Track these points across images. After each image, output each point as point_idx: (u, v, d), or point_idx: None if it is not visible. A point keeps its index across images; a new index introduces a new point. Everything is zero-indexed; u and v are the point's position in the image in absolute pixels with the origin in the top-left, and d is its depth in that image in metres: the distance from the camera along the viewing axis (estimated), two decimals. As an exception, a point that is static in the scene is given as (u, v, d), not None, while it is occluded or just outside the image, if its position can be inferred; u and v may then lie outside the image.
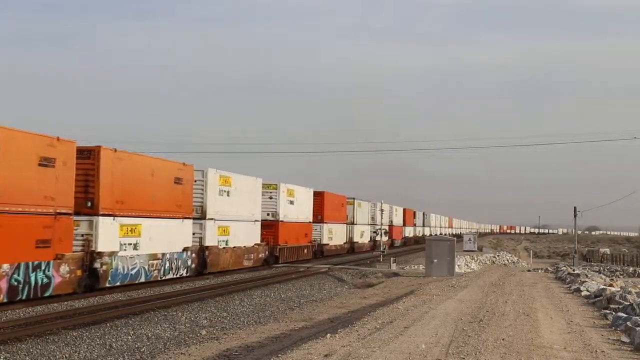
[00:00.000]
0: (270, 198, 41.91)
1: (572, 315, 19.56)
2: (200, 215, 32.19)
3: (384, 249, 50.89)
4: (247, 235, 37.25)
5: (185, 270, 30.15)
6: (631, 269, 54.04)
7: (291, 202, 44.07)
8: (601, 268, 53.06)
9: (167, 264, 28.58)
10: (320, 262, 45.93)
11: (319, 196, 50.58)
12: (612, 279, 35.68)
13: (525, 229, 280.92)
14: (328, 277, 36.95)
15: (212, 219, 32.81)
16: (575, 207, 66.38)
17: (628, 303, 19.86)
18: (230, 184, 34.93)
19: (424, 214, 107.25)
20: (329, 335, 14.76)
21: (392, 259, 43.79)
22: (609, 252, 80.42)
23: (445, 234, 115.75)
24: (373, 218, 67.77)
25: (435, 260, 35.89)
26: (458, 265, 40.47)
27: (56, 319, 18.78)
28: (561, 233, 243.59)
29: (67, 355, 15.09)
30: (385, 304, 22.62)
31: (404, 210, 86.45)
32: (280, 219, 42.40)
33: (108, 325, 18.39)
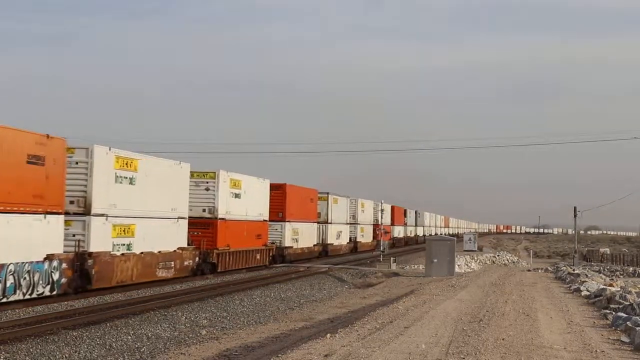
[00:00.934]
0: (207, 190, 33.74)
1: (572, 315, 19.57)
2: (83, 210, 24.31)
3: (384, 248, 50.84)
4: (165, 238, 29.07)
5: (50, 287, 21.73)
6: (631, 268, 53.98)
7: (236, 196, 35.80)
8: (601, 268, 53.02)
9: (11, 280, 19.92)
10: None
11: (279, 190, 42.94)
12: (612, 279, 35.69)
13: (521, 229, 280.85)
14: (328, 277, 36.96)
15: (102, 214, 24.82)
16: (575, 207, 66.36)
17: (628, 303, 19.87)
18: (136, 169, 27.20)
19: (416, 212, 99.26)
20: (329, 335, 14.76)
21: (392, 259, 43.80)
22: (609, 252, 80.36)
23: (442, 234, 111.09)
24: (354, 216, 61.78)
25: (435, 260, 35.89)
26: (458, 265, 40.47)
27: (56, 319, 18.78)
28: (556, 232, 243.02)
29: (67, 355, 15.09)
30: (385, 304, 22.63)
31: (393, 208, 78.91)
32: (220, 216, 33.90)
33: (108, 325, 18.39)
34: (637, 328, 14.72)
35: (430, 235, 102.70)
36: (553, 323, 17.60)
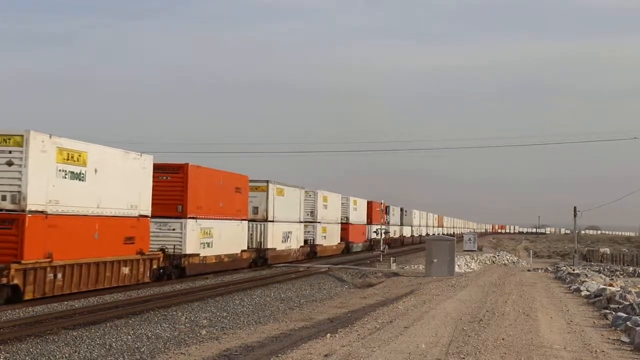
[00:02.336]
0: (9, 165, 21.41)
1: (572, 315, 19.56)
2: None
3: (384, 248, 50.81)
4: None
5: None
6: (631, 268, 53.98)
7: (77, 177, 23.58)
8: (601, 268, 53.02)
9: None
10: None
11: (176, 172, 31.15)
12: (612, 279, 35.69)
13: (514, 228, 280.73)
14: (328, 277, 36.94)
15: None
16: (575, 207, 66.38)
17: (628, 303, 19.87)
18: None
19: (402, 209, 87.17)
20: (329, 335, 14.76)
21: (392, 258, 43.79)
22: (609, 252, 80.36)
23: (434, 234, 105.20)
24: (312, 213, 51.06)
25: (435, 260, 35.89)
26: (458, 265, 40.47)
27: (56, 319, 18.78)
28: (549, 232, 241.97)
29: (67, 355, 15.08)
30: (385, 303, 22.63)
31: (370, 204, 68.04)
32: (31, 209, 21.46)
33: (108, 325, 18.39)
34: (637, 328, 14.72)
35: (421, 235, 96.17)
36: (553, 323, 17.60)
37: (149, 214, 28.16)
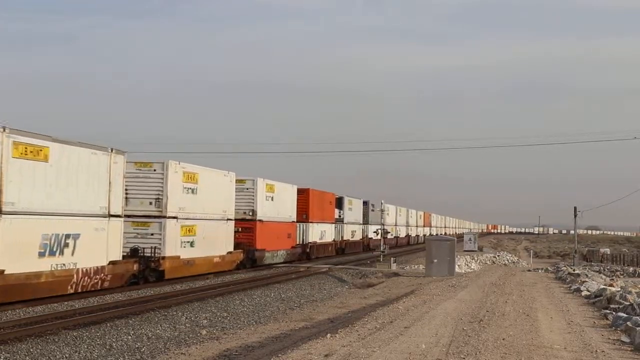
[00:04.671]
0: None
1: (572, 315, 19.56)
2: None
3: (384, 248, 50.77)
4: None
5: None
6: (631, 269, 54.03)
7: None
8: (601, 268, 53.06)
9: None
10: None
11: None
12: (612, 279, 35.72)
13: (506, 228, 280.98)
14: (328, 277, 36.94)
15: None
16: (575, 207, 66.41)
17: (628, 303, 19.88)
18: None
19: (369, 204, 67.26)
20: (329, 335, 14.75)
21: (392, 259, 43.78)
22: (609, 252, 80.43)
23: (418, 235, 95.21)
24: (158, 200, 29.93)
25: (436, 260, 35.90)
26: (458, 265, 40.47)
27: (56, 319, 18.77)
28: (537, 232, 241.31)
29: (67, 355, 15.09)
30: (386, 304, 22.62)
31: (308, 192, 48.12)
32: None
33: (108, 325, 18.38)
34: (637, 328, 14.72)
35: (398, 237, 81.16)
36: (553, 323, 17.60)
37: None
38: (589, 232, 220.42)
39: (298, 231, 46.56)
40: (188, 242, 30.62)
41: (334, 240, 55.22)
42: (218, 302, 24.10)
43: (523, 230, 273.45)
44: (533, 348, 13.60)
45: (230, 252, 35.19)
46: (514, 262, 55.46)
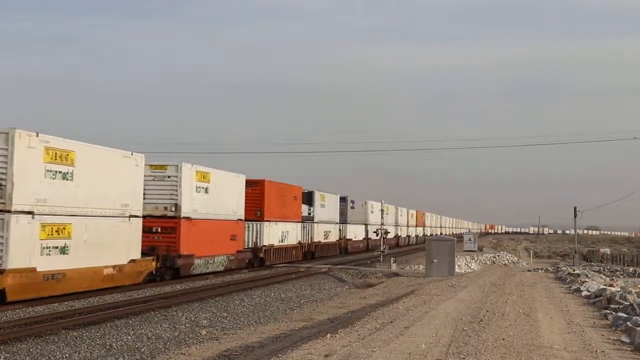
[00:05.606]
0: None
1: (572, 315, 19.57)
2: None
3: (384, 248, 50.78)
4: None
5: None
6: (631, 269, 53.97)
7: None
8: (601, 268, 53.01)
9: None
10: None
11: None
12: (612, 279, 35.70)
13: (502, 228, 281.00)
14: (328, 277, 36.93)
15: None
16: (575, 207, 66.35)
17: (628, 303, 19.88)
18: None
19: (345, 199, 58.94)
20: (329, 335, 14.76)
21: (392, 259, 43.79)
22: (609, 252, 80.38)
23: (409, 236, 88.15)
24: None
25: (436, 260, 35.91)
26: (458, 265, 40.48)
27: (56, 319, 18.78)
28: (532, 232, 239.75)
29: (67, 355, 15.09)
30: (386, 304, 22.63)
31: (264, 185, 40.15)
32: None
33: (108, 325, 18.38)
34: (637, 328, 14.73)
35: (385, 237, 64.23)
36: (553, 323, 17.60)
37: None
38: (588, 232, 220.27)
39: (247, 232, 38.04)
40: (56, 247, 22.24)
41: (299, 243, 46.36)
42: (218, 302, 24.10)
43: (519, 230, 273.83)
44: (533, 348, 13.60)
45: (133, 261, 26.48)
46: (513, 262, 55.45)
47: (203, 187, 31.97)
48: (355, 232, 62.47)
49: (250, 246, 38.35)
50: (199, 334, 18.36)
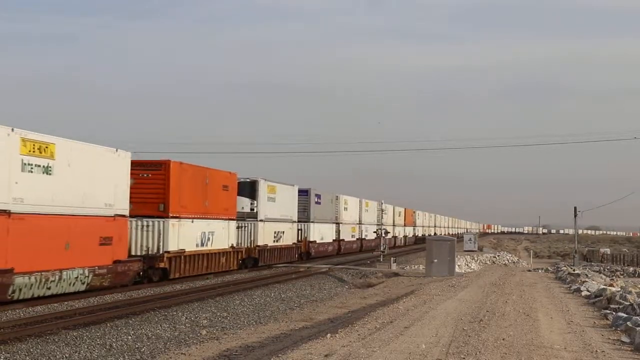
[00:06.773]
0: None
1: (573, 315, 19.57)
2: None
3: (384, 248, 50.76)
4: None
5: None
6: (631, 269, 53.96)
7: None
8: (601, 268, 53.00)
9: None
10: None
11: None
12: (613, 279, 35.68)
13: (498, 228, 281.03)
14: (328, 277, 36.93)
15: None
16: (575, 207, 66.36)
17: (628, 303, 19.88)
18: None
19: (308, 192, 48.57)
20: (329, 335, 14.76)
21: (392, 259, 43.78)
22: (609, 252, 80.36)
23: (396, 236, 77.17)
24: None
25: (436, 260, 35.89)
26: (458, 265, 40.46)
27: (56, 319, 18.77)
28: (527, 231, 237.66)
29: (67, 355, 15.08)
30: (386, 304, 22.63)
31: (169, 167, 29.16)
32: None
33: (108, 325, 18.38)
34: (637, 328, 14.72)
35: (363, 239, 62.86)
36: (553, 323, 17.60)
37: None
38: (588, 232, 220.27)
39: (137, 234, 28.03)
40: None
41: (232, 247, 34.92)
42: (218, 302, 24.10)
43: (514, 229, 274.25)
44: (533, 348, 13.60)
45: None
46: (514, 262, 55.44)
47: (40, 166, 21.34)
48: (321, 233, 50.75)
49: (143, 253, 28.06)
50: (199, 334, 18.35)
